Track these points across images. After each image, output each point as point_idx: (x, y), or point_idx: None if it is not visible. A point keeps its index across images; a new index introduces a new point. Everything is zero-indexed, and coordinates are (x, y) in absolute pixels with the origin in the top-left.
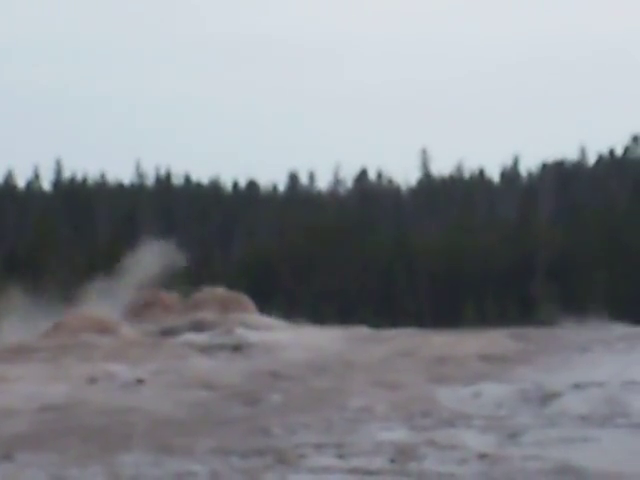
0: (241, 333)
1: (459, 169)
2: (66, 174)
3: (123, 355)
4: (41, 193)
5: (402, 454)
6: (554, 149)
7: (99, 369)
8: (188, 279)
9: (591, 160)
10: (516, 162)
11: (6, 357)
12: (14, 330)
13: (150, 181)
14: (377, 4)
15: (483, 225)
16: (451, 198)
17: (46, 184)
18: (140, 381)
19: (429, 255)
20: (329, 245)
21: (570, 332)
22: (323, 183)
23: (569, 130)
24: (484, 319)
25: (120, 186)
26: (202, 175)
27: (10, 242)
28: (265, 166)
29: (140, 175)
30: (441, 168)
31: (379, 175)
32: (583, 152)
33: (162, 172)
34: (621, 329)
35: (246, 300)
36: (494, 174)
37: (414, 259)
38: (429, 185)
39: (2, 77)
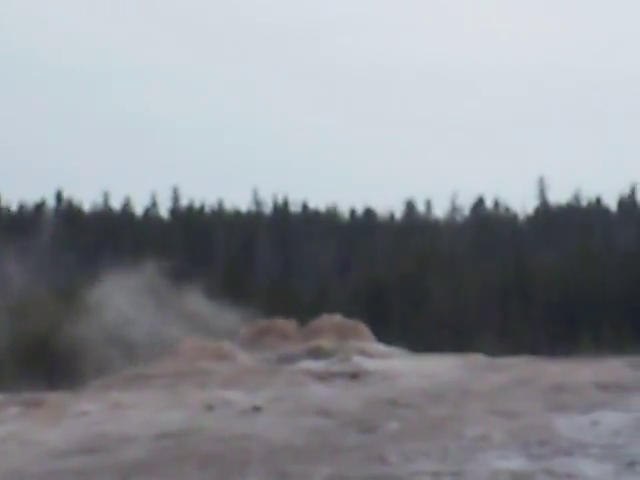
0: (358, 361)
1: (576, 197)
2: (183, 201)
3: (240, 382)
4: (158, 220)
5: None
6: None
7: (215, 396)
8: (305, 306)
9: None
10: (633, 191)
11: (123, 384)
12: (130, 357)
13: (267, 209)
14: (485, 28)
15: (600, 254)
16: (568, 227)
17: (163, 211)
18: (257, 408)
19: (546, 283)
20: (445, 273)
21: None
22: (440, 211)
23: None
24: (601, 348)
25: (237, 214)
26: (319, 203)
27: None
28: (382, 194)
29: (257, 203)
30: (558, 196)
31: (496, 203)
32: None
33: (279, 200)
34: None
35: (363, 328)
36: (611, 203)
37: (530, 287)
38: (546, 214)
39: (120, 106)
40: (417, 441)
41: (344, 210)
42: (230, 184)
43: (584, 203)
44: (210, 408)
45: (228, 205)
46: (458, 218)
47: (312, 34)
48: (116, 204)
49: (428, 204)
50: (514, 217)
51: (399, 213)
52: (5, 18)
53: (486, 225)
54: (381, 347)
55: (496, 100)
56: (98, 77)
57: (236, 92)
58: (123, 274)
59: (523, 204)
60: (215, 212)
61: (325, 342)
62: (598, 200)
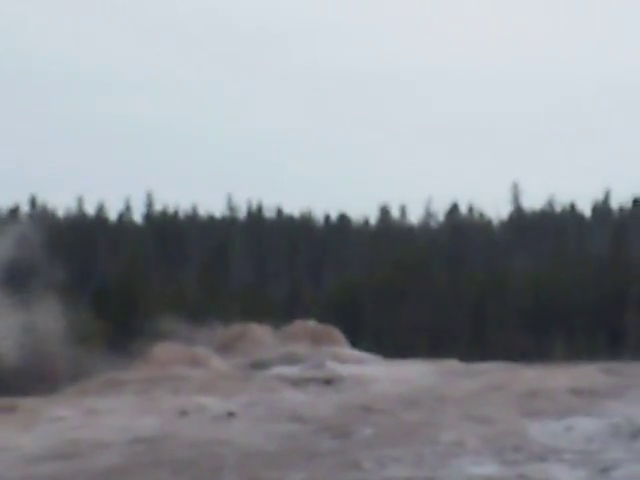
0: (332, 366)
1: (550, 203)
2: (157, 207)
3: (214, 388)
4: (132, 225)
5: None
6: None
7: (190, 402)
8: (280, 312)
9: None
10: (607, 197)
11: (98, 390)
12: (106, 362)
13: (242, 214)
14: (465, 34)
15: (574, 259)
16: (542, 232)
17: (137, 216)
18: (231, 414)
19: (520, 289)
20: (419, 279)
21: None
22: (414, 217)
23: None
24: (575, 353)
25: (211, 219)
26: (294, 208)
27: (101, 274)
28: (356, 199)
29: (232, 208)
30: (532, 202)
31: (470, 209)
32: None
33: (254, 205)
34: None
35: (337, 333)
36: (585, 208)
37: (505, 293)
38: (520, 219)
39: (95, 109)
40: (391, 447)
41: (318, 215)
42: (204, 189)
43: (558, 209)
44: (184, 414)
45: (202, 210)
46: (432, 223)
47: (289, 39)
48: (90, 209)
49: (402, 210)
50: (488, 223)
51: (373, 218)
52: None
53: (460, 230)
54: (355, 352)
55: (470, 106)
56: (72, 82)
57: (210, 97)
58: None
59: (497, 210)
60: (189, 217)
61: (299, 347)
62: (572, 206)
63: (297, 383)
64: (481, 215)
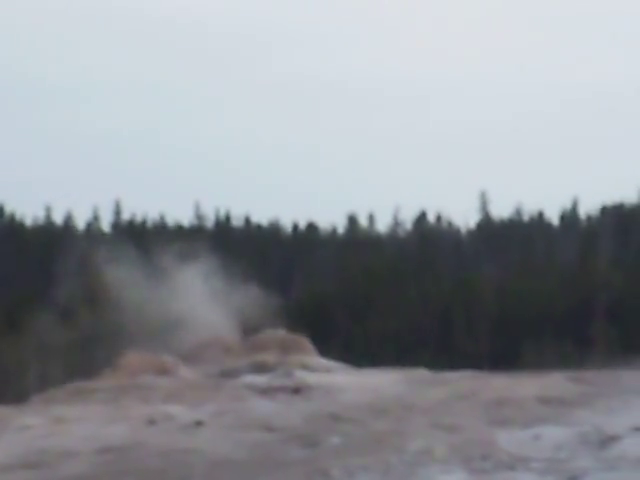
0: (301, 375)
1: (518, 212)
2: (125, 215)
3: (182, 397)
4: (100, 234)
5: None
6: (613, 192)
7: (158, 410)
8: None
9: None
10: (575, 205)
11: (65, 399)
12: (73, 372)
13: (210, 223)
14: (434, 44)
15: (542, 267)
16: (510, 241)
17: (105, 225)
18: (199, 423)
19: (488, 297)
20: (388, 287)
21: (630, 375)
22: (382, 225)
23: (629, 173)
24: (543, 361)
25: (179, 228)
26: (262, 217)
27: (70, 283)
28: (324, 208)
29: (199, 217)
30: (500, 211)
31: (438, 217)
32: None
33: (222, 214)
34: None
35: (306, 342)
36: (553, 217)
37: (473, 301)
38: (488, 228)
39: (62, 118)
40: (359, 456)
41: (286, 224)
42: (172, 198)
43: (526, 217)
44: (152, 422)
45: (170, 219)
46: (400, 232)
47: (261, 47)
48: (58, 218)
49: (370, 218)
50: (456, 231)
51: (341, 227)
52: None
53: (428, 239)
54: (323, 362)
55: (438, 115)
56: (39, 91)
57: (178, 106)
58: None
59: (465, 218)
60: (157, 226)
61: (268, 356)
62: (540, 214)
63: (266, 392)
64: (449, 223)
